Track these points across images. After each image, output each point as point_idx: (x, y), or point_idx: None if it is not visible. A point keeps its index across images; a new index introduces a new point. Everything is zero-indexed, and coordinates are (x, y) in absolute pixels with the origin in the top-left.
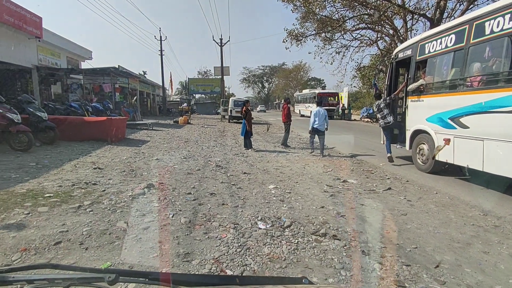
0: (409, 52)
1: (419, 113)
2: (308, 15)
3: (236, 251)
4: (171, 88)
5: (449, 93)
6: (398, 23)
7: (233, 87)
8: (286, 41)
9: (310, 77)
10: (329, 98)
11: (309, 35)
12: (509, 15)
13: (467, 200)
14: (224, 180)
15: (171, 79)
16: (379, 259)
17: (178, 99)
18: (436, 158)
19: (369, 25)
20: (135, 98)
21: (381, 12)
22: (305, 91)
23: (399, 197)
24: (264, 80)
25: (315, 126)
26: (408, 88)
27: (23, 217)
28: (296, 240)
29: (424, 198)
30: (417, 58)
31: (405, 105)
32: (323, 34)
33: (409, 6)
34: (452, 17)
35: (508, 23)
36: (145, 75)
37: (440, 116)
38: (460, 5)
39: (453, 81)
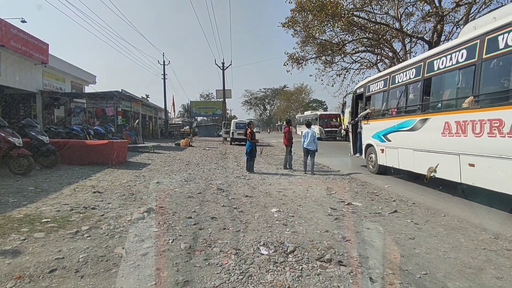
0: (362, 90)
1: (368, 132)
2: (308, 39)
3: (237, 278)
4: (174, 111)
5: (381, 119)
6: (397, 45)
7: (235, 110)
8: (287, 64)
9: (311, 99)
10: (332, 120)
11: (309, 58)
12: (403, 73)
13: (477, 223)
14: (226, 204)
15: (173, 102)
16: (387, 287)
17: (180, 122)
18: (404, 169)
19: (368, 48)
20: (137, 121)
21: (380, 36)
22: (307, 113)
23: (406, 220)
24: (265, 103)
25: (304, 146)
26: (359, 116)
27: (19, 243)
28: (300, 267)
29: (432, 221)
30: (366, 94)
31: (360, 126)
32: (323, 57)
33: (407, 30)
34: (450, 39)
35: (405, 77)
36: (148, 99)
37: (378, 134)
38: (457, 28)
39: (383, 111)
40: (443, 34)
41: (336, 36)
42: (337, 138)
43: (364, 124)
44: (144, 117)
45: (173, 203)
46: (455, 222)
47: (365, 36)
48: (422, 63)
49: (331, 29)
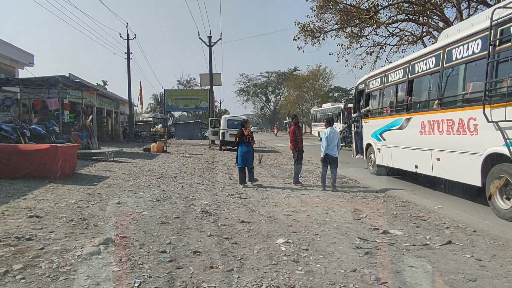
0: (363, 86)
1: (367, 131)
2: (328, 3)
3: None
4: (141, 104)
5: (378, 117)
6: (451, 13)
7: (226, 102)
8: (299, 38)
9: (332, 87)
10: None
11: (329, 31)
12: (394, 73)
13: None
14: (214, 233)
15: (141, 91)
16: None
17: (150, 119)
18: (396, 167)
19: (410, 16)
20: (90, 117)
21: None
22: (327, 106)
23: (464, 254)
24: (269, 92)
25: (325, 151)
26: (360, 112)
27: None
28: None
29: (500, 256)
30: (366, 91)
31: (361, 125)
32: (348, 29)
33: None
34: None
35: (395, 76)
36: (106, 87)
37: (375, 132)
38: None
39: (379, 109)
40: None
41: (365, 0)
42: None
43: (364, 122)
44: (101, 112)
45: (140, 232)
46: None
47: None
48: (408, 64)
49: None
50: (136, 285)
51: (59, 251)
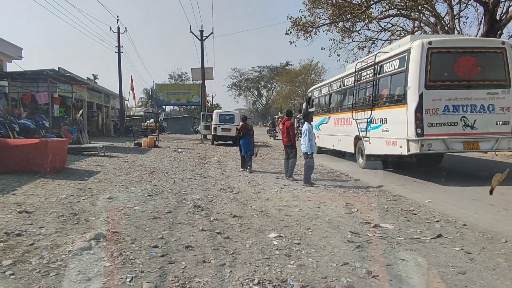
0: (309, 95)
1: (315, 125)
2: None
3: None
4: (133, 98)
5: (317, 116)
6: (442, 8)
7: (218, 96)
8: (291, 32)
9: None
10: None
11: (321, 25)
12: (324, 88)
13: None
14: (206, 227)
15: (132, 85)
16: None
17: (142, 113)
18: (326, 147)
19: (402, 11)
20: (80, 112)
21: None
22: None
23: (454, 248)
24: (261, 86)
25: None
26: (307, 112)
27: None
28: None
29: (489, 249)
30: (312, 98)
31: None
32: (340, 24)
33: None
34: None
35: (326, 90)
36: (96, 81)
37: (316, 126)
38: None
39: (318, 110)
40: None
41: None
42: None
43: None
44: (91, 107)
45: (131, 227)
46: None
47: None
48: (328, 85)
49: None
50: (128, 280)
51: (50, 246)
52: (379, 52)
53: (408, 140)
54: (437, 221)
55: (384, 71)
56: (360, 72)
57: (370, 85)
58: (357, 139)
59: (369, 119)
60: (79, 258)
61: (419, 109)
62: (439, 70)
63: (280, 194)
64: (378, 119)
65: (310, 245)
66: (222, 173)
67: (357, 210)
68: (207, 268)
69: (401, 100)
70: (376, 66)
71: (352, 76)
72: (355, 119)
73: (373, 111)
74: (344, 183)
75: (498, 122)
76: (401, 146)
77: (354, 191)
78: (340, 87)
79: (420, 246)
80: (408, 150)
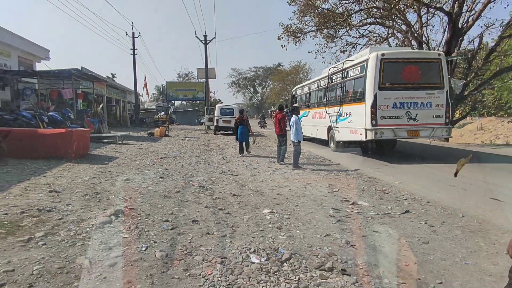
0: (294, 93)
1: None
2: (308, 8)
3: None
4: (146, 94)
5: (302, 109)
6: (412, 17)
7: (220, 92)
8: (282, 38)
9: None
10: None
11: (308, 31)
12: (305, 87)
13: (499, 224)
14: (209, 204)
15: (145, 82)
16: None
17: (154, 107)
18: (306, 135)
19: (378, 20)
20: (101, 105)
21: (392, 5)
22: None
23: (419, 221)
24: (256, 84)
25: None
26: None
27: None
28: (297, 277)
29: (449, 223)
30: (296, 95)
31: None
32: (325, 30)
33: None
34: (473, 11)
35: (306, 89)
36: (114, 79)
37: (299, 118)
38: None
39: (299, 106)
40: (465, 4)
41: (340, 5)
42: None
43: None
44: (110, 101)
45: (146, 204)
46: (475, 224)
47: (374, 5)
48: (308, 85)
49: None
50: (143, 249)
51: (76, 221)
52: (346, 60)
53: (365, 129)
54: (405, 199)
55: (349, 76)
56: (332, 76)
57: (339, 86)
58: (330, 129)
59: (338, 113)
60: (101, 231)
61: (374, 105)
62: (389, 75)
63: (273, 176)
64: (345, 113)
65: (298, 220)
66: (223, 159)
67: (338, 190)
68: (210, 239)
69: (361, 98)
70: (343, 71)
71: (326, 79)
72: (328, 113)
73: (341, 107)
74: (327, 167)
75: (434, 116)
76: (361, 134)
77: (336, 174)
78: (317, 87)
79: (390, 220)
80: (366, 137)
